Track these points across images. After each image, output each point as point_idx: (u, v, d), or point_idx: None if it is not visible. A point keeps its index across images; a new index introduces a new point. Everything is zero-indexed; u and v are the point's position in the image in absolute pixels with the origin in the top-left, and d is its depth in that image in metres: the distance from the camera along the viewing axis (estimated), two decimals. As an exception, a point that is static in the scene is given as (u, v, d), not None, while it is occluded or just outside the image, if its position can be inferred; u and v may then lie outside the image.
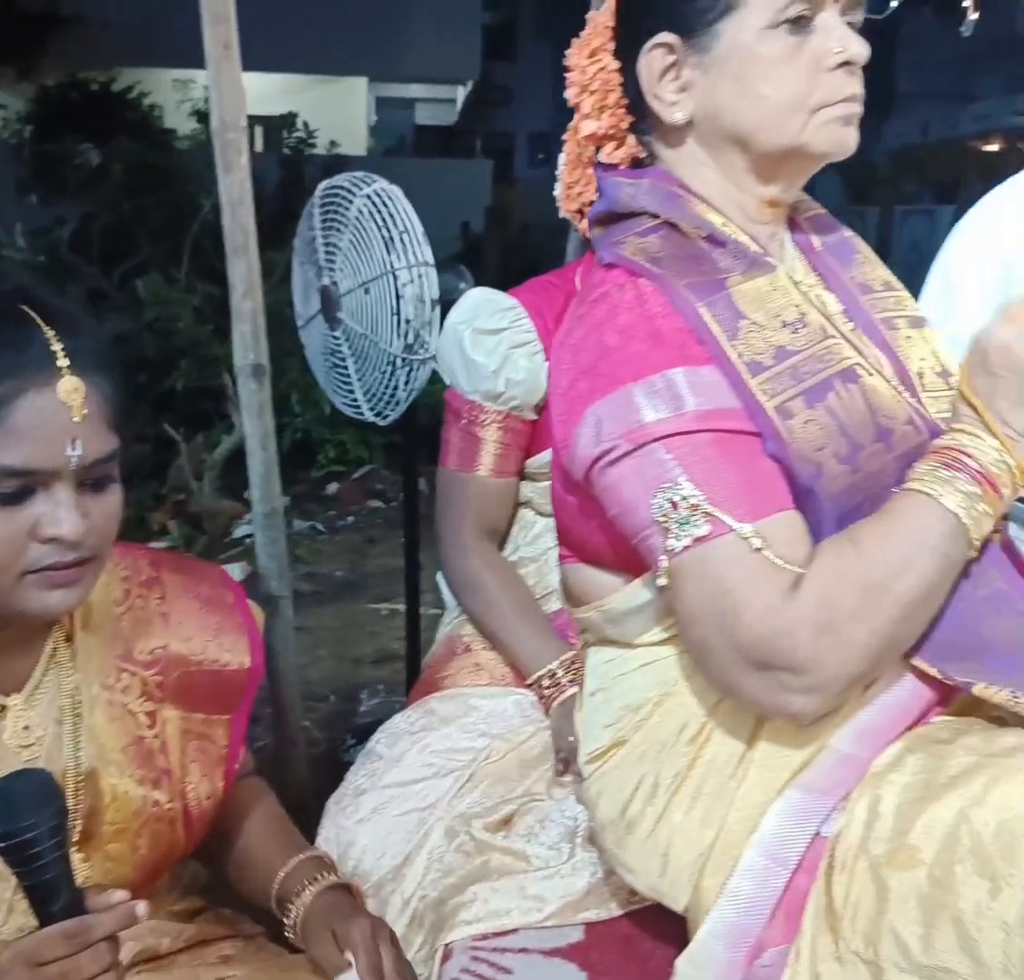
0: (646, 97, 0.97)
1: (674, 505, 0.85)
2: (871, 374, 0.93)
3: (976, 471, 0.85)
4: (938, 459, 0.87)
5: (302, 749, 1.77)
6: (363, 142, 14.83)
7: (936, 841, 0.81)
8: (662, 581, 0.88)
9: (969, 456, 0.86)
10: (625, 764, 0.98)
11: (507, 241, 9.83)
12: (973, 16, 3.60)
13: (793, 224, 1.06)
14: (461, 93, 17.93)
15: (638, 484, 0.87)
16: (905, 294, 1.08)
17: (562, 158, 1.18)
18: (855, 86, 0.93)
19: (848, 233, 1.09)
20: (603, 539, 0.97)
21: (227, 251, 1.56)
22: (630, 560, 0.94)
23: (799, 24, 0.91)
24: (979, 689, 0.86)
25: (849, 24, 0.93)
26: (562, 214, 1.21)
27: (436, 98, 17.94)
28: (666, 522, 0.85)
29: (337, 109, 13.80)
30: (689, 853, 0.92)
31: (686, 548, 0.85)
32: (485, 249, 9.32)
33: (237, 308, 1.58)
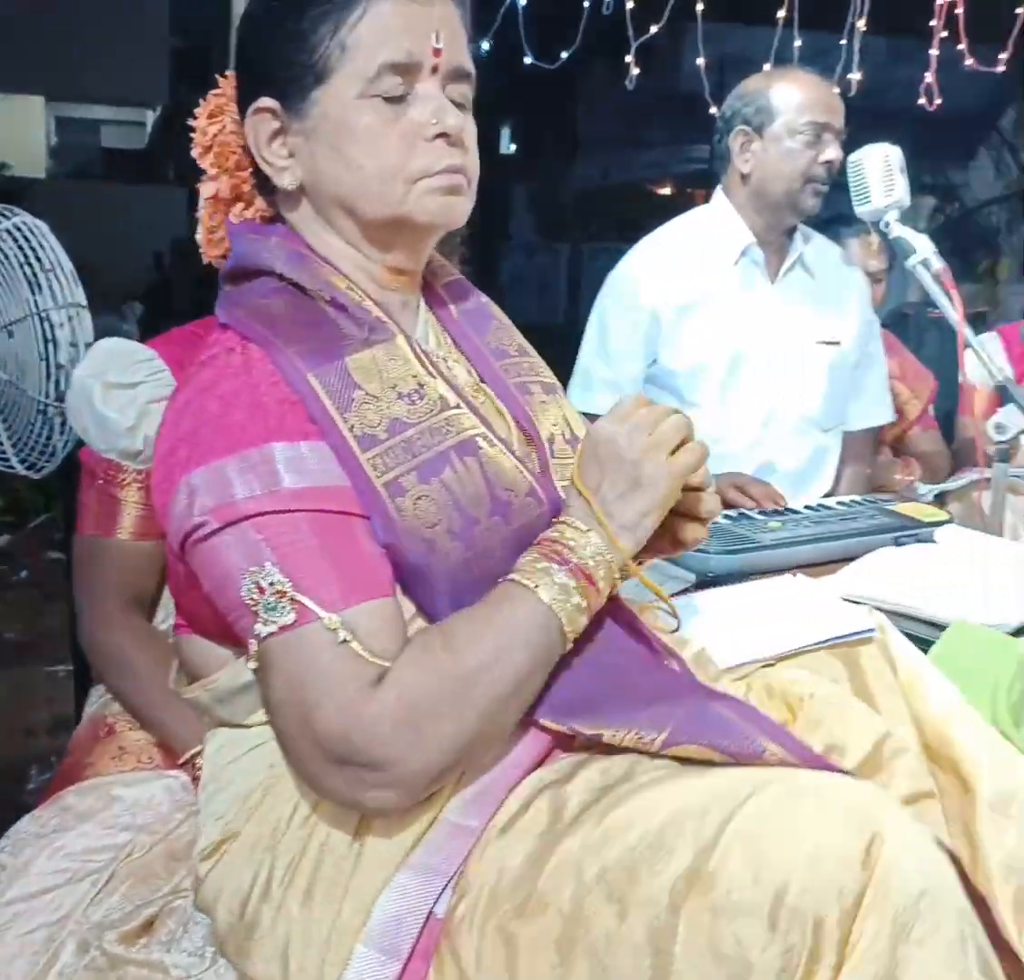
0: (257, 160, 0.95)
1: (261, 590, 0.81)
2: (493, 445, 0.92)
3: (575, 564, 0.86)
4: (540, 551, 0.87)
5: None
6: (42, 164, 13.89)
7: (564, 881, 0.80)
8: (252, 665, 0.84)
9: (569, 549, 0.86)
10: (238, 858, 0.91)
11: (203, 272, 9.50)
12: (635, 71, 3.92)
13: (430, 290, 1.05)
14: (151, 117, 17.19)
15: (229, 564, 0.83)
16: (538, 360, 1.09)
17: (201, 200, 1.11)
18: (456, 157, 0.92)
19: (484, 299, 1.09)
20: (208, 611, 0.91)
21: None
22: (236, 634, 0.88)
23: (393, 95, 0.89)
24: (608, 735, 0.86)
25: (460, 97, 0.93)
26: (206, 260, 1.15)
27: (124, 120, 17.08)
28: (254, 606, 0.81)
29: (11, 128, 12.85)
30: (310, 951, 0.85)
31: (272, 635, 0.81)
32: (178, 280, 8.95)
33: None
